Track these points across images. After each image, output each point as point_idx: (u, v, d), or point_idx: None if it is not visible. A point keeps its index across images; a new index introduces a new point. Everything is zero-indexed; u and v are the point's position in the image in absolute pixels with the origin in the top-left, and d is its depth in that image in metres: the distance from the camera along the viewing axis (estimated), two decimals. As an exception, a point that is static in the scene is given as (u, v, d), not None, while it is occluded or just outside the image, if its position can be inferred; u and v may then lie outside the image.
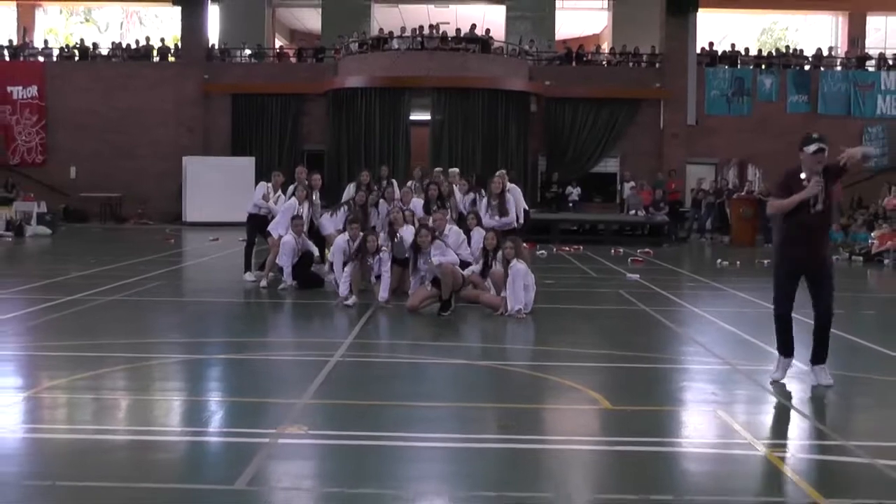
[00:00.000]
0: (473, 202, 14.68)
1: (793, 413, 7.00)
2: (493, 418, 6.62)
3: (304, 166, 16.10)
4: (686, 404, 7.25)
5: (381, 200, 14.73)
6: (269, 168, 27.33)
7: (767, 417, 6.99)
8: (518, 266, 11.50)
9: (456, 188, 15.28)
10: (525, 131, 30.60)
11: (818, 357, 7.72)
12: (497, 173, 15.06)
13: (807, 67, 32.78)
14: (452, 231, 13.25)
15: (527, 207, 16.01)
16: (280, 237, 13.94)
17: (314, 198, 14.86)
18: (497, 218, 13.72)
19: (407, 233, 12.87)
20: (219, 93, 32.47)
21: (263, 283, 14.07)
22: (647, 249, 22.31)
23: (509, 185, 14.49)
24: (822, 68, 32.62)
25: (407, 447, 5.83)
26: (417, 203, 14.55)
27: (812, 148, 7.43)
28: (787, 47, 35.73)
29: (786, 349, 7.87)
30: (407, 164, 28.68)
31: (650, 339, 10.23)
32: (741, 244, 24.65)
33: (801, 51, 34.24)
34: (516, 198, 14.48)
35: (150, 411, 6.75)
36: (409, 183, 15.88)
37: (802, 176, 7.48)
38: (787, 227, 7.60)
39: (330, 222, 14.65)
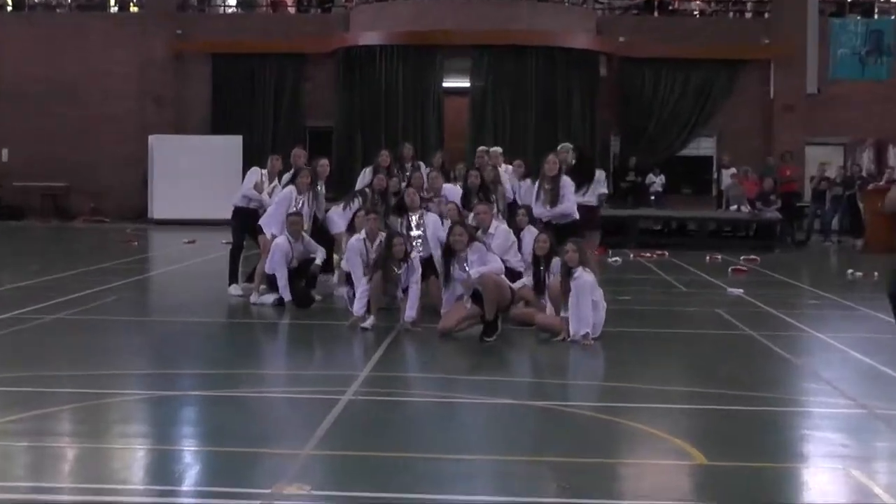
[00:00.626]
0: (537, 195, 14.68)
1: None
2: (549, 476, 6.59)
3: (305, 148, 16.19)
4: (807, 459, 7.23)
5: (408, 190, 14.70)
6: (261, 151, 27.65)
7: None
8: (583, 277, 11.44)
9: (504, 173, 15.29)
10: (592, 103, 30.64)
11: None
12: (561, 146, 15.19)
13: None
14: (499, 231, 13.23)
15: (605, 191, 16.13)
16: (273, 237, 14.01)
17: (319, 188, 14.90)
18: (548, 207, 13.78)
19: (431, 223, 12.99)
20: (195, 53, 32.73)
21: (254, 297, 14.14)
22: (752, 256, 22.20)
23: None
24: None
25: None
26: (452, 190, 14.54)
27: None
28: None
29: None
30: (439, 144, 28.79)
31: (758, 373, 10.17)
32: (879, 249, 24.42)
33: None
34: (598, 180, 14.82)
35: (105, 463, 6.76)
36: (430, 165, 15.95)
37: None
38: None
39: (341, 218, 14.67)
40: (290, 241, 13.80)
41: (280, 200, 14.34)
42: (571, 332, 11.40)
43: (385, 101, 30.46)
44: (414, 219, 13.31)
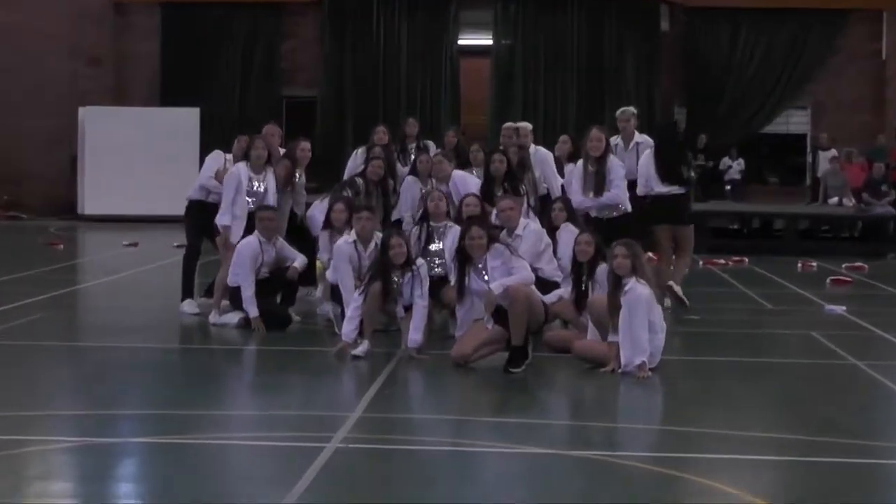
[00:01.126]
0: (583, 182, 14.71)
1: None
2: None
3: (281, 126, 16.21)
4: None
5: (410, 178, 14.71)
6: (224, 128, 27.71)
7: None
8: (637, 291, 11.40)
9: (535, 155, 15.39)
10: (651, 65, 30.67)
11: None
12: (622, 111, 15.46)
13: None
14: (529, 231, 13.25)
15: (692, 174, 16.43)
16: (232, 235, 14.02)
17: (298, 178, 14.90)
18: (591, 196, 13.72)
19: (453, 234, 12.87)
20: (140, 3, 32.73)
21: (213, 317, 14.13)
22: (858, 263, 22.13)
23: (640, 140, 15.16)
24: None
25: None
26: (463, 179, 14.56)
27: None
28: None
29: None
30: (453, 118, 28.79)
31: (863, 415, 10.16)
32: None
33: None
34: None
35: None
36: (440, 145, 16.04)
37: None
38: None
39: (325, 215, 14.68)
40: (260, 243, 13.71)
41: (227, 183, 14.23)
42: (623, 362, 11.36)
43: (384, 64, 30.53)
44: (438, 229, 13.31)
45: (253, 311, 13.55)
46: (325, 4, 31.37)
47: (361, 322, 12.08)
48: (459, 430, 9.56)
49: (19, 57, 32.57)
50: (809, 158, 31.40)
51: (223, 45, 32.55)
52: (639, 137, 15.71)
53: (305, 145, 15.12)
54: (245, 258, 13.58)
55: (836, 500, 7.62)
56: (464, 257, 11.96)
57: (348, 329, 12.09)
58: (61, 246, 24.42)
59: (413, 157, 15.56)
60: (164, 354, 13.07)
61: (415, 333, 12.00)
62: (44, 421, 9.50)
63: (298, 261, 14.05)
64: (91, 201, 30.88)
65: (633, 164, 15.26)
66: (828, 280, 19.65)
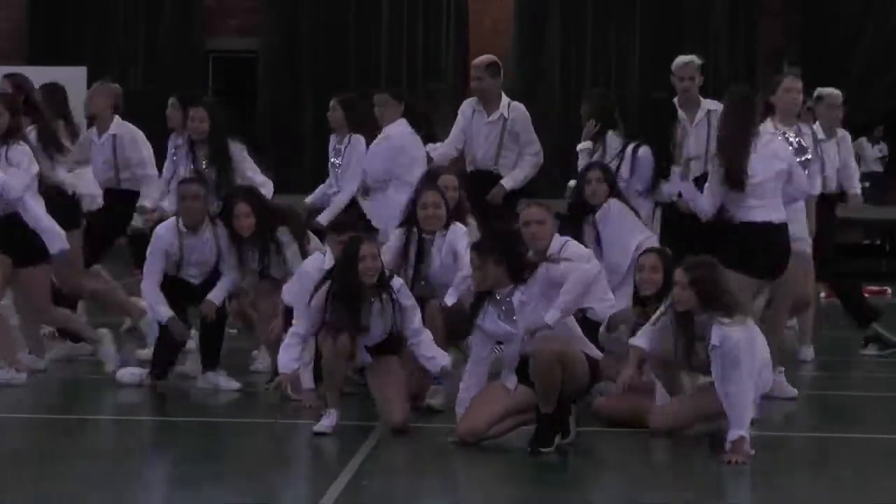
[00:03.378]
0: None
1: None
2: None
3: (207, 90, 16.38)
4: None
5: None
6: (127, 93, 27.88)
7: None
8: (726, 335, 11.46)
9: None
10: (749, 8, 30.79)
11: None
12: (684, 63, 15.68)
13: None
14: (569, 247, 13.37)
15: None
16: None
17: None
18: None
19: (460, 245, 13.05)
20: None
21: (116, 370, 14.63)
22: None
23: (712, 107, 15.26)
24: None
25: None
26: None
27: None
28: None
29: None
30: (459, 79, 28.96)
31: None
32: None
33: None
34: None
35: None
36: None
37: None
38: None
39: None
40: (179, 231, 14.29)
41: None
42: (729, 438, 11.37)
43: (356, 4, 30.71)
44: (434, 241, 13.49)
45: (161, 316, 14.43)
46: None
47: (328, 377, 12.16)
48: None
49: None
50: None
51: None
52: (709, 104, 15.81)
53: (200, 114, 15.94)
54: (156, 247, 14.43)
55: None
56: (481, 294, 11.98)
57: (286, 358, 12.39)
58: None
59: None
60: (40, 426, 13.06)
61: (437, 354, 12.41)
62: None
63: (219, 287, 14.61)
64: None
65: (703, 142, 15.43)
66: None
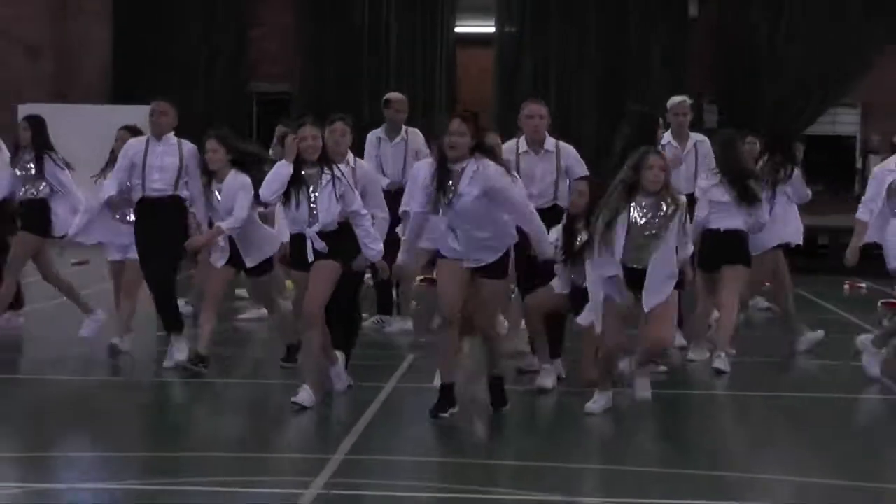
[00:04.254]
0: None
1: None
2: None
3: (252, 119, 16.01)
4: None
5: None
6: (187, 126, 27.39)
7: None
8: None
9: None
10: (678, 56, 30.76)
11: None
12: (679, 102, 15.69)
13: None
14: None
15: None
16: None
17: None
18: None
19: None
20: (89, -17, 32.71)
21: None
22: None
23: (698, 139, 15.41)
24: None
25: None
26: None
27: None
28: None
29: None
30: (450, 110, 28.73)
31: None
32: None
33: None
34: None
35: None
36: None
37: None
38: None
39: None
40: (147, 141, 13.85)
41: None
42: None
43: (368, 53, 30.56)
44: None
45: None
46: (301, -12, 31.48)
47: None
48: (462, 475, 9.65)
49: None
50: (859, 164, 31.63)
51: (181, 34, 32.54)
52: (696, 136, 15.71)
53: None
54: (123, 156, 13.81)
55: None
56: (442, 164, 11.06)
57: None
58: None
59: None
60: (113, 389, 12.89)
61: (373, 242, 11.65)
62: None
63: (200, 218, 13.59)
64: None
65: (693, 169, 15.19)
66: (879, 304, 19.49)
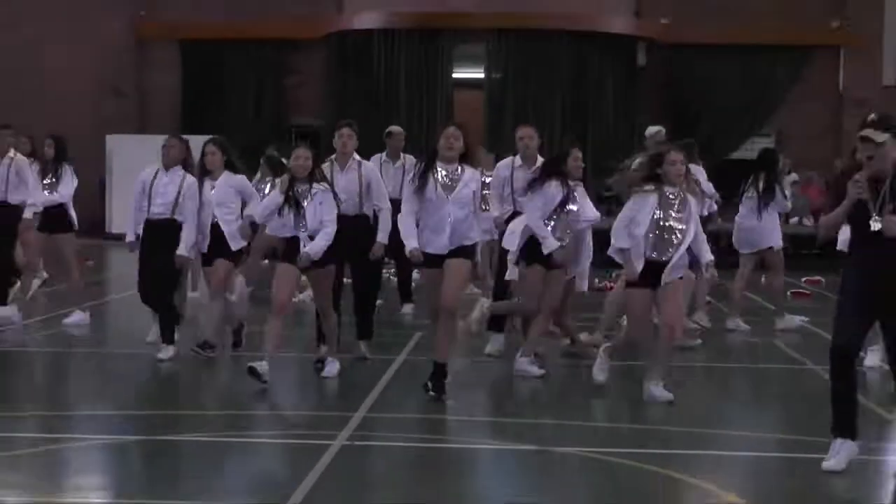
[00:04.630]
0: None
1: None
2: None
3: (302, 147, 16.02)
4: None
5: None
6: (239, 152, 27.52)
7: None
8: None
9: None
10: (630, 97, 30.70)
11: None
12: (657, 131, 15.66)
13: None
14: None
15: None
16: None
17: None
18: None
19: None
20: (161, 38, 32.63)
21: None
22: (817, 277, 22.12)
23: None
24: None
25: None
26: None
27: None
28: None
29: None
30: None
31: (823, 415, 10.18)
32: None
33: None
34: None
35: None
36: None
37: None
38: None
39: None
40: (156, 171, 12.84)
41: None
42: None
43: (384, 95, 30.36)
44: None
45: (130, 234, 12.77)
46: (329, 42, 31.27)
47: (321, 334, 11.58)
48: (460, 429, 9.62)
49: (51, 89, 32.29)
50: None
51: (236, 79, 32.39)
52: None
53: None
54: (137, 182, 13.01)
55: (796, 492, 7.73)
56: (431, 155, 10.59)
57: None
58: (90, 261, 24.34)
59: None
60: (190, 362, 12.63)
61: (313, 245, 10.78)
62: (82, 420, 9.63)
63: (185, 238, 12.35)
64: (118, 220, 30.78)
65: None
66: (789, 293, 19.27)
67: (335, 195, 10.95)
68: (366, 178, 11.42)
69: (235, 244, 12.41)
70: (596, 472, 8.24)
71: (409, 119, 30.18)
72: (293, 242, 10.75)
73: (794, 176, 28.45)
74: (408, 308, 16.43)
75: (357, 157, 11.33)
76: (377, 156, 15.91)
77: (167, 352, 12.12)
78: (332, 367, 11.28)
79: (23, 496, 7.34)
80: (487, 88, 30.31)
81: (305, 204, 10.66)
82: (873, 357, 11.71)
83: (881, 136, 7.53)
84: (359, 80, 30.78)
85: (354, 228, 11.30)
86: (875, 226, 7.61)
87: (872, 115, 7.77)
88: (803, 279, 21.49)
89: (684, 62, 31.52)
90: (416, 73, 30.32)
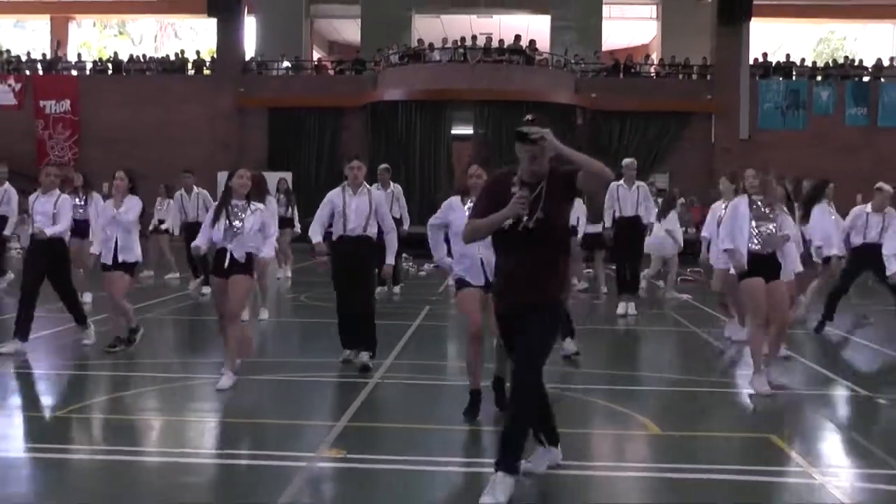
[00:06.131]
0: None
1: (855, 440, 6.84)
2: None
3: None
4: (739, 430, 7.16)
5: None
6: (308, 184, 27.46)
7: (825, 445, 6.90)
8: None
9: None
10: (572, 145, 30.37)
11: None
12: (631, 161, 14.00)
13: (866, 79, 32.46)
14: None
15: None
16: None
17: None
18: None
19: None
20: (254, 107, 32.75)
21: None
22: (698, 269, 22.07)
23: (639, 184, 13.99)
24: (882, 79, 32.26)
25: (447, 472, 5.80)
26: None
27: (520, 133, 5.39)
28: (846, 58, 35.40)
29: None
30: (449, 179, 28.80)
31: (705, 362, 10.15)
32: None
33: (860, 61, 33.90)
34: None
35: (181, 433, 6.79)
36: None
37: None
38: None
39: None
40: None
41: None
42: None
43: (405, 144, 30.35)
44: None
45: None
46: (368, 109, 31.31)
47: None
48: (463, 371, 9.23)
49: (173, 143, 32.28)
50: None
51: (305, 134, 32.29)
52: (639, 182, 14.19)
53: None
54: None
55: (686, 414, 7.59)
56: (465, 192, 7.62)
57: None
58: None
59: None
60: (277, 325, 12.35)
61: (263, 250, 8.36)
62: (196, 366, 9.50)
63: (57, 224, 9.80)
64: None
65: (636, 199, 13.87)
66: (678, 279, 19.24)
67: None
68: (375, 202, 9.04)
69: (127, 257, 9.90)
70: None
71: (422, 162, 30.24)
72: (221, 254, 8.11)
73: (681, 199, 28.44)
74: (397, 289, 15.55)
75: (367, 185, 9.36)
76: (372, 186, 15.23)
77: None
78: (226, 381, 8.05)
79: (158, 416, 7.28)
80: (475, 141, 30.26)
81: (238, 222, 8.08)
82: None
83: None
84: (388, 135, 30.77)
85: (357, 248, 8.99)
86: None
87: (529, 116, 5.62)
88: (689, 270, 21.38)
89: (606, 122, 31.55)
90: (426, 131, 30.34)
